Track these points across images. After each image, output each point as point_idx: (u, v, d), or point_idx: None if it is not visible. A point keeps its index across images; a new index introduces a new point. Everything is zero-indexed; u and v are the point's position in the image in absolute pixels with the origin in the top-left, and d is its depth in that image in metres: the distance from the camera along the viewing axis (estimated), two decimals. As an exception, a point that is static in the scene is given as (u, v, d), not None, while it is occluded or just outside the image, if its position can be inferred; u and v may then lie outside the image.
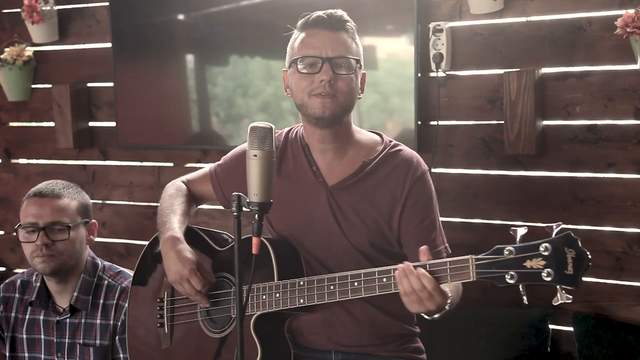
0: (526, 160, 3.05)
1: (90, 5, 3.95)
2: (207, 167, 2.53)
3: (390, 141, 2.33)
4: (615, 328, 2.89)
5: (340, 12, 2.23)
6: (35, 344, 2.71)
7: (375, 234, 2.25)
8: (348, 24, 2.23)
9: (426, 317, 2.02)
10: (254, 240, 1.90)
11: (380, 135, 2.35)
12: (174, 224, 2.33)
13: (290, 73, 2.26)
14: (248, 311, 2.15)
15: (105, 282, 2.69)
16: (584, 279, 2.92)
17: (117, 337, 2.62)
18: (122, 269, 2.76)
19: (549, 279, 1.76)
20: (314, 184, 2.28)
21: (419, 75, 3.17)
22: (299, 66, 2.20)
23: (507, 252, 1.82)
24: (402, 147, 2.32)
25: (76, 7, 3.98)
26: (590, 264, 1.76)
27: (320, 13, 2.22)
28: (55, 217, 2.60)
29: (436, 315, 2.02)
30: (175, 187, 2.49)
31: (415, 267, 1.94)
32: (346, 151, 2.28)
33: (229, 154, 2.47)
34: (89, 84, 4.02)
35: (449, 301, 2.00)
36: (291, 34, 2.28)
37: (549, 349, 2.96)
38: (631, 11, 2.72)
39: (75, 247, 2.62)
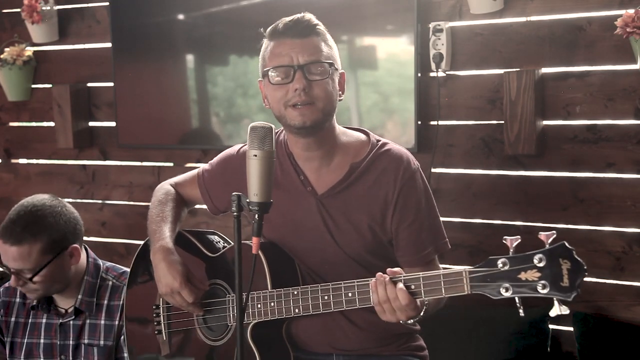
0: (526, 160, 3.05)
1: (90, 5, 3.95)
2: (195, 170, 2.48)
3: (378, 140, 2.25)
4: (615, 328, 2.89)
5: (308, 15, 2.16)
6: (32, 349, 2.68)
7: (369, 240, 2.20)
8: (317, 27, 2.16)
9: (401, 321, 2.01)
10: (254, 240, 1.88)
11: (367, 134, 2.28)
12: (165, 233, 2.29)
13: (264, 84, 2.20)
14: (244, 320, 2.13)
15: (110, 282, 2.66)
16: (584, 278, 2.96)
17: (122, 337, 2.61)
18: (124, 268, 2.72)
19: (544, 291, 1.73)
20: (303, 193, 2.22)
21: (419, 75, 3.17)
22: (271, 77, 2.14)
23: (500, 264, 1.79)
24: (390, 145, 2.24)
25: (76, 7, 3.98)
26: (586, 274, 1.73)
27: (287, 20, 2.16)
28: (19, 264, 2.50)
29: (410, 321, 2.01)
30: (164, 192, 2.44)
31: (397, 280, 1.93)
32: (333, 157, 2.22)
33: (216, 159, 2.42)
34: (89, 84, 4.02)
35: (422, 312, 2.00)
36: (262, 43, 2.22)
37: (549, 349, 2.96)
38: (631, 11, 2.72)
39: (52, 279, 2.55)
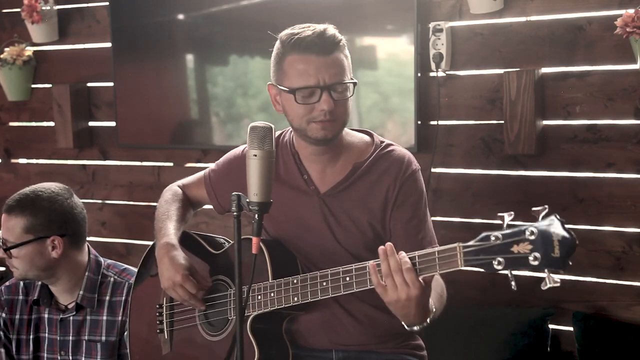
0: (526, 160, 3.05)
1: (90, 5, 3.95)
2: (202, 171, 2.51)
3: (382, 142, 2.28)
4: (615, 328, 2.89)
5: (330, 30, 2.15)
6: (40, 343, 2.72)
7: (370, 237, 2.23)
8: (340, 42, 2.16)
9: (406, 327, 2.02)
10: (254, 240, 1.90)
11: (371, 135, 2.31)
12: (170, 230, 2.32)
13: (282, 95, 2.19)
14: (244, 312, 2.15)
15: (111, 279, 2.69)
16: (584, 278, 2.97)
17: (124, 333, 2.62)
18: (125, 266, 2.76)
19: (536, 262, 1.75)
20: (306, 192, 2.25)
21: (419, 75, 3.17)
22: (297, 97, 2.13)
23: (493, 238, 1.81)
24: (394, 146, 2.28)
25: (76, 7, 3.98)
26: (577, 243, 1.74)
27: (310, 35, 2.13)
28: (4, 233, 2.61)
29: (415, 328, 2.01)
30: (171, 192, 2.48)
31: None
32: (338, 157, 2.25)
33: (222, 159, 2.45)
34: (89, 84, 4.02)
35: (432, 312, 2.01)
36: (274, 46, 2.21)
37: (549, 349, 2.96)
38: (631, 11, 2.72)
39: (30, 262, 2.59)
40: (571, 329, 2.95)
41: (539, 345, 2.94)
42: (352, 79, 2.18)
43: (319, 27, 2.15)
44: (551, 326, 2.98)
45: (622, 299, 2.94)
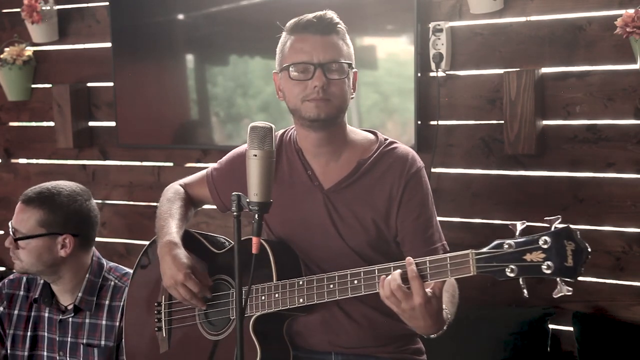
0: (526, 160, 3.05)
1: (90, 5, 3.96)
2: (204, 170, 2.51)
3: (386, 139, 2.30)
4: (615, 328, 2.89)
5: (330, 14, 2.20)
6: (38, 341, 2.71)
7: (373, 235, 2.23)
8: (339, 26, 2.20)
9: (423, 335, 2.03)
10: (254, 239, 1.90)
11: (375, 134, 2.32)
12: (172, 229, 2.32)
13: (281, 77, 2.24)
14: (247, 312, 2.15)
15: (112, 283, 2.68)
16: (584, 278, 2.97)
17: (123, 339, 2.61)
18: (127, 270, 2.73)
19: (549, 271, 1.76)
20: (310, 188, 2.26)
21: (419, 75, 3.17)
22: (291, 73, 2.18)
23: (506, 246, 1.81)
24: (398, 144, 2.29)
25: (76, 7, 3.98)
26: (589, 255, 1.76)
27: (310, 17, 2.19)
28: (17, 223, 2.61)
29: (433, 335, 2.03)
30: (173, 191, 2.48)
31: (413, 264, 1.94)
32: (341, 153, 2.26)
33: (225, 158, 2.46)
34: (89, 84, 4.02)
35: (447, 320, 2.04)
36: (280, 35, 2.26)
37: (549, 349, 2.96)
38: (631, 11, 2.72)
39: (37, 256, 2.59)
40: (571, 329, 2.95)
41: (539, 345, 2.94)
42: (350, 64, 2.19)
43: (320, 12, 2.21)
44: (551, 326, 2.98)
45: (622, 299, 2.94)
